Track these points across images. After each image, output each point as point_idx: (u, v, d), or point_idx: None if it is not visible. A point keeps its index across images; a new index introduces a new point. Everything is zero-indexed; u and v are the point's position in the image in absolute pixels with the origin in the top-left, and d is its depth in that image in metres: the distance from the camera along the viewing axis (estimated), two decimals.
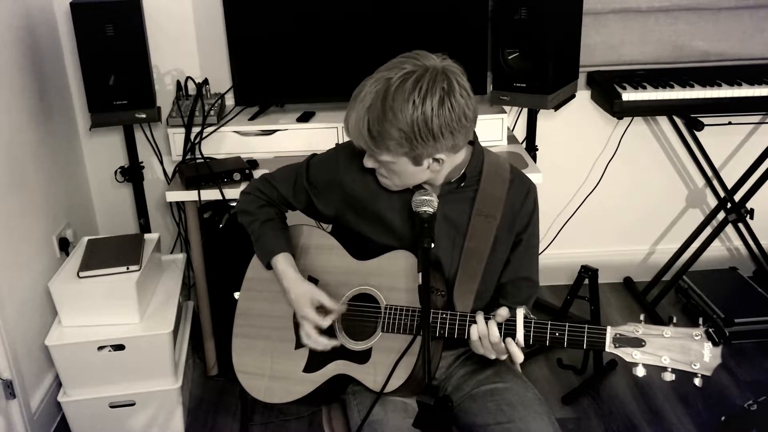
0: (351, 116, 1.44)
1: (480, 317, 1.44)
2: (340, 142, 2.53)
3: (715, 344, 1.27)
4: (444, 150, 1.44)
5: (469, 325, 1.45)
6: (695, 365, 1.27)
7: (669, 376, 1.30)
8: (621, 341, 1.33)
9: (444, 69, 1.39)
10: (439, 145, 1.41)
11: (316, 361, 1.60)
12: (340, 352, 1.57)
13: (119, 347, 2.23)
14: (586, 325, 1.36)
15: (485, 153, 1.61)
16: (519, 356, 1.41)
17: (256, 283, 1.74)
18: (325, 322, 1.56)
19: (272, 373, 1.64)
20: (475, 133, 1.53)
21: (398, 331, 1.51)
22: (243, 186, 2.34)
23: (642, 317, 1.34)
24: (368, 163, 1.51)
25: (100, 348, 2.23)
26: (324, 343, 1.56)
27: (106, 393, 2.28)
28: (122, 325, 2.25)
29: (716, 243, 3.08)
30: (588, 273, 2.45)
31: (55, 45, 2.64)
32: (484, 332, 1.42)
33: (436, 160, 1.46)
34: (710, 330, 1.29)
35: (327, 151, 1.70)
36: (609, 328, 1.34)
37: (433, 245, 1.48)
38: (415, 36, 2.52)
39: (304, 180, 1.68)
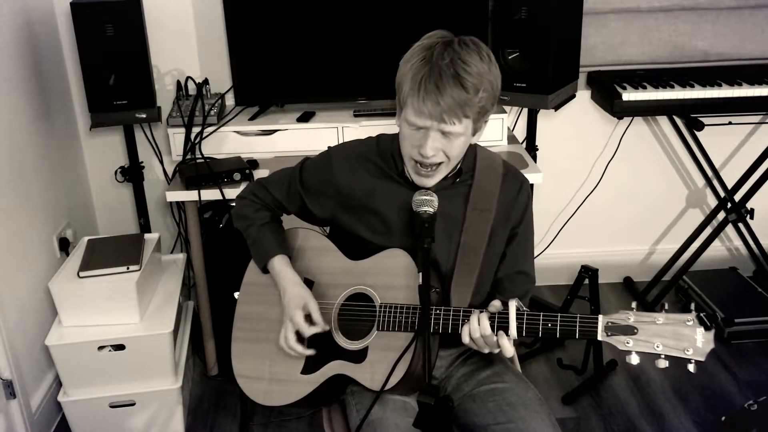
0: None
1: (473, 314, 1.44)
2: (340, 141, 2.53)
3: (707, 329, 1.28)
4: (491, 114, 1.50)
5: (462, 325, 1.45)
6: (688, 351, 1.27)
7: (663, 363, 1.30)
8: (613, 329, 1.33)
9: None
10: (495, 106, 1.49)
11: (313, 362, 1.60)
12: (337, 353, 1.57)
13: (119, 347, 2.23)
14: (578, 315, 1.37)
15: (477, 148, 1.62)
16: (509, 351, 1.41)
17: (253, 288, 1.74)
18: (308, 331, 1.57)
19: (271, 376, 1.64)
20: None
21: (393, 329, 1.51)
22: (243, 186, 2.34)
23: (633, 305, 1.35)
24: (433, 147, 1.44)
25: (100, 348, 2.23)
26: (297, 350, 1.58)
27: (106, 393, 2.28)
28: (122, 325, 2.25)
29: (716, 243, 3.08)
30: (588, 273, 2.45)
31: (55, 45, 2.64)
32: (475, 328, 1.43)
33: (481, 128, 1.50)
34: (702, 315, 1.29)
35: (320, 153, 1.70)
36: (601, 317, 1.34)
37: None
38: (415, 36, 2.51)
39: (297, 184, 1.69)
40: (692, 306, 1.33)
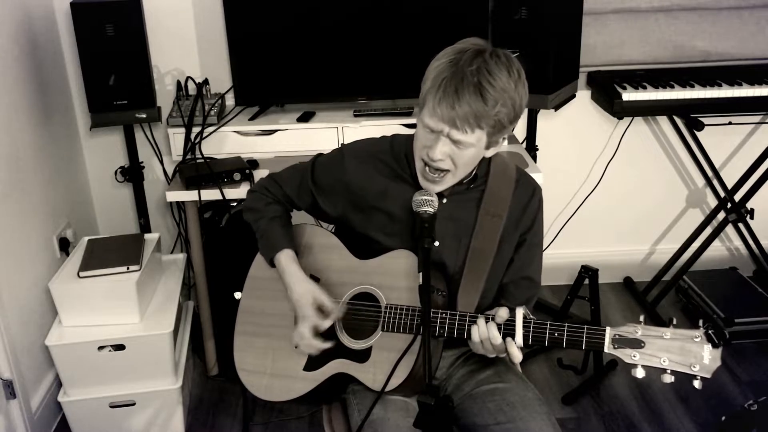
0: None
1: (481, 319, 1.44)
2: (340, 141, 2.54)
3: (715, 346, 1.27)
4: (511, 131, 1.49)
5: (470, 326, 1.45)
6: (695, 367, 1.27)
7: (668, 378, 1.29)
8: (620, 342, 1.33)
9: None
10: (516, 124, 1.48)
11: (316, 359, 1.60)
12: (340, 351, 1.57)
13: (119, 347, 2.23)
14: (585, 326, 1.36)
15: None
16: (518, 357, 1.41)
17: (258, 282, 1.75)
18: (325, 324, 1.56)
19: (273, 371, 1.64)
20: None
21: (398, 330, 1.51)
22: (243, 186, 2.35)
23: (642, 318, 1.34)
24: (442, 152, 1.43)
25: (101, 348, 2.23)
26: (316, 346, 1.56)
27: (106, 393, 2.28)
28: (122, 325, 2.25)
29: (716, 243, 3.08)
30: (588, 273, 2.45)
31: (55, 45, 2.64)
32: (484, 334, 1.42)
33: (497, 143, 1.49)
34: (710, 332, 1.28)
35: (332, 151, 1.70)
36: (608, 329, 1.34)
37: (436, 244, 1.50)
38: (415, 36, 2.52)
39: (309, 181, 1.69)
40: (701, 322, 1.32)
